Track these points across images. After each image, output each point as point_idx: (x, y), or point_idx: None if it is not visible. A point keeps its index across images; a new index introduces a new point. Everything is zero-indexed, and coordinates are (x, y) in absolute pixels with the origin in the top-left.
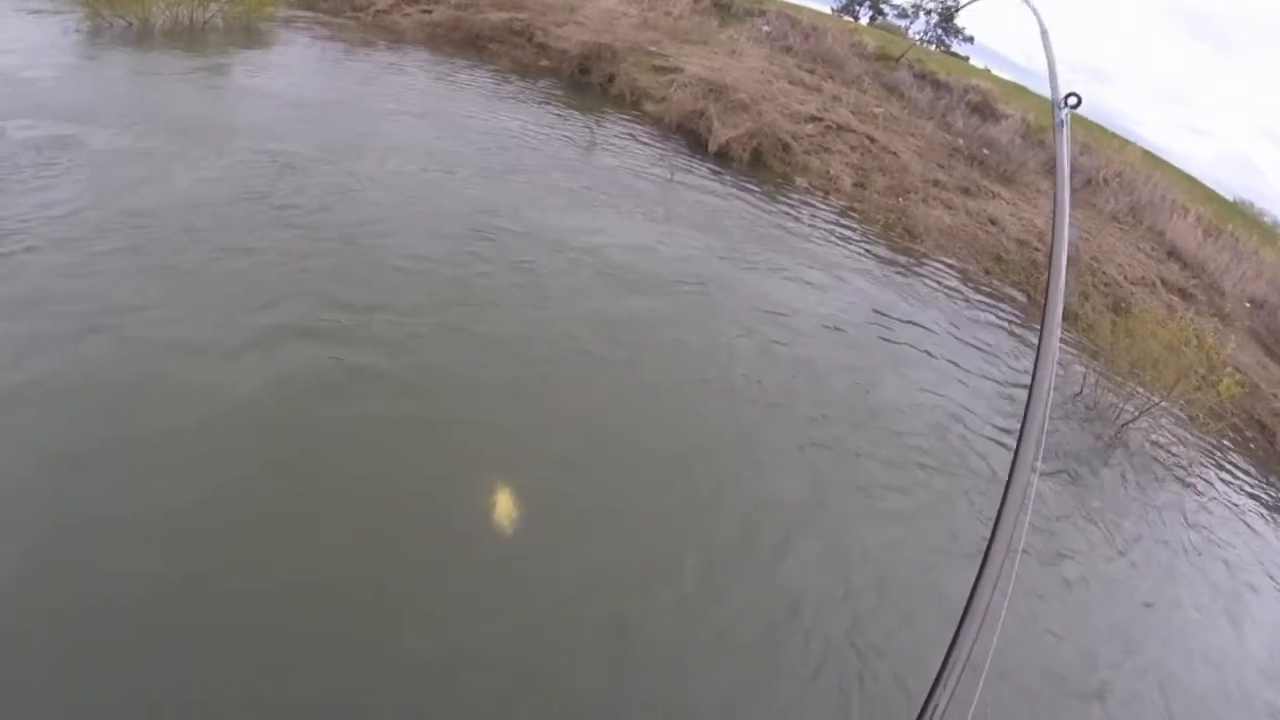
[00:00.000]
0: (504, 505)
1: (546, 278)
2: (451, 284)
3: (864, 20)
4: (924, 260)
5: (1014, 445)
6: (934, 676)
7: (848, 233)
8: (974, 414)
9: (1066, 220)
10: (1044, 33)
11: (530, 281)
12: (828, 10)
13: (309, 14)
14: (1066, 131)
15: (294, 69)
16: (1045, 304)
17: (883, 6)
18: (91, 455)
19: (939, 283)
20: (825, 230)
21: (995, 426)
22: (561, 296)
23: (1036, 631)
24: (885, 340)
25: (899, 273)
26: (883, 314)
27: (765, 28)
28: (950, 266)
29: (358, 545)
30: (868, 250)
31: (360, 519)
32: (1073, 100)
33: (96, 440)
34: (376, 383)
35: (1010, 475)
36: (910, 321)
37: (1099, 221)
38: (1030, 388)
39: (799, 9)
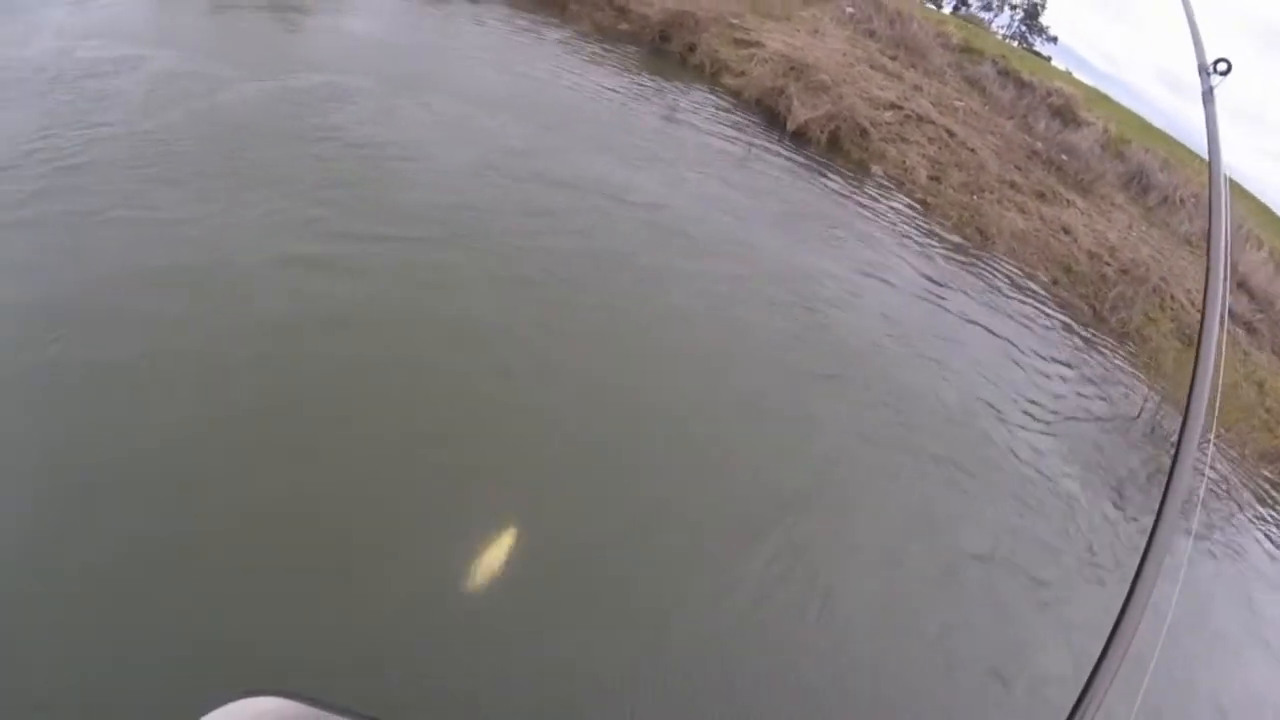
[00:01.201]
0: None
1: (606, 230)
2: (499, 223)
3: (947, 9)
4: (992, 262)
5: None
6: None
7: (919, 226)
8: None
9: (1225, 224)
10: None
11: (591, 228)
12: None
13: None
14: (1217, 106)
15: (369, 12)
16: (1199, 337)
17: None
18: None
19: (1005, 287)
20: (897, 221)
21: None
22: (619, 253)
23: None
24: (944, 339)
25: (968, 272)
26: (944, 311)
27: (849, 9)
28: (1018, 271)
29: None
30: (938, 246)
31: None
32: (1222, 66)
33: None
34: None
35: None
36: (972, 321)
37: (1172, 243)
38: (1180, 434)
39: None
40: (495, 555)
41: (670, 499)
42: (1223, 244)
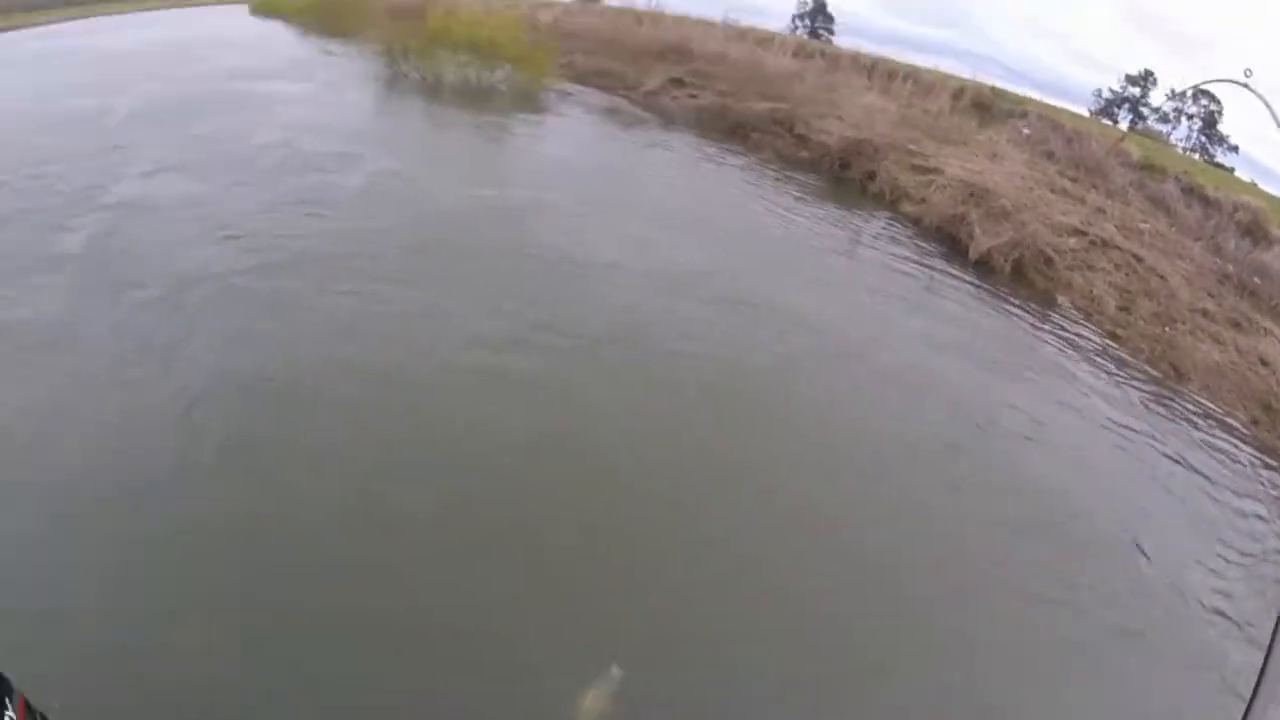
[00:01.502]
0: None
1: (785, 354)
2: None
3: (1123, 124)
4: (1187, 399)
5: None
6: None
7: (1109, 360)
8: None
9: None
10: None
11: (770, 349)
12: (1085, 112)
13: (584, 88)
14: None
15: (564, 134)
16: None
17: (1142, 109)
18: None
19: (1201, 427)
20: (1087, 355)
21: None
22: (809, 388)
23: None
24: (1136, 483)
25: (1161, 410)
26: (1136, 454)
27: (1025, 130)
28: (1215, 409)
29: None
30: (1129, 381)
31: None
32: None
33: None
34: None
35: None
36: (1167, 462)
37: None
38: None
39: (1058, 111)
40: None
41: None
42: None
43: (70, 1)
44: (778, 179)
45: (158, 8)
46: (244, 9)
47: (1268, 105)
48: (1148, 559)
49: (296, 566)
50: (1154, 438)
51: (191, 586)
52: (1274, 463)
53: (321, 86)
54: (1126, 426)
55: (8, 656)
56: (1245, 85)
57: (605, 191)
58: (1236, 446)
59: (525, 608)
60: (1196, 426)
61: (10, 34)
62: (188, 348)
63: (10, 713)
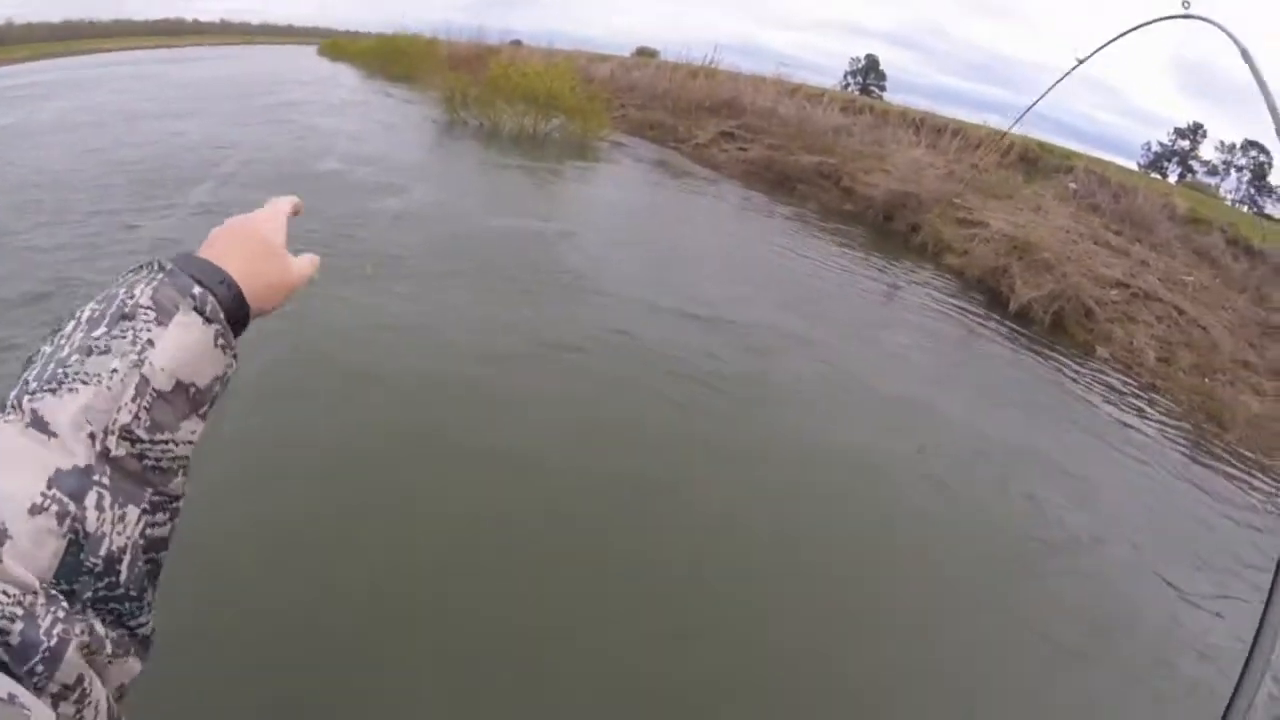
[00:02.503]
0: None
1: (826, 411)
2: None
3: (1173, 178)
4: (1226, 450)
5: None
6: None
7: (1147, 412)
8: None
9: None
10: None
11: (803, 394)
12: (1134, 166)
13: (636, 140)
14: None
15: (614, 180)
16: None
17: (1191, 163)
18: None
19: (1240, 479)
20: (1123, 407)
21: None
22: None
23: None
24: (1176, 544)
25: (1199, 461)
26: (1177, 509)
27: (1072, 185)
28: (1257, 461)
29: None
30: (1166, 433)
31: None
32: None
33: None
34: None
35: None
36: (1204, 524)
37: None
38: None
39: (1106, 165)
40: None
41: None
42: None
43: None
44: (822, 229)
45: (229, 44)
46: (312, 50)
47: (1227, 33)
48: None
49: None
50: (1192, 487)
51: None
52: None
53: (379, 126)
54: (1164, 474)
55: None
56: (1188, 16)
57: (647, 231)
58: (1274, 495)
59: None
60: (1234, 476)
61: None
62: None
63: None
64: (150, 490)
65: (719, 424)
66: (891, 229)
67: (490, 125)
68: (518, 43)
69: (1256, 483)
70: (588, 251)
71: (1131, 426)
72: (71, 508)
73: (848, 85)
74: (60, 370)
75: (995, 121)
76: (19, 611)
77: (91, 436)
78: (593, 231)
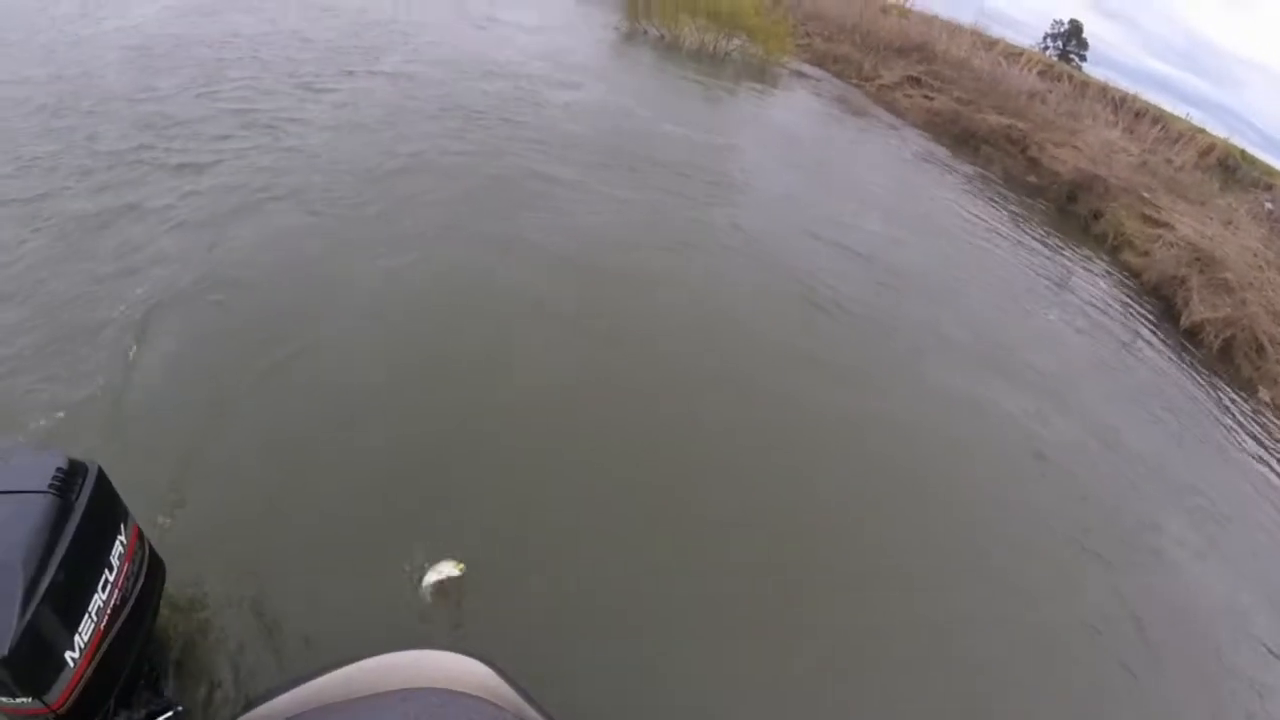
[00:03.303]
0: None
1: (948, 359)
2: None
3: None
4: None
5: None
6: None
7: None
8: None
9: None
10: None
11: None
12: None
13: (818, 71)
14: None
15: (787, 107)
16: None
17: None
18: None
19: None
20: (1273, 457)
21: None
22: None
23: None
24: None
25: None
26: None
27: (1269, 204)
28: None
29: None
30: None
31: None
32: None
33: None
34: None
35: None
36: None
37: None
38: None
39: None
40: None
41: None
42: None
43: None
44: (999, 195)
45: None
46: None
47: None
48: None
49: None
50: None
51: None
52: None
53: (558, 27)
54: None
55: None
56: None
57: (810, 161)
58: None
59: None
60: None
61: None
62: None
63: (123, 537)
64: None
65: (837, 348)
66: (1073, 210)
67: (671, 37)
68: None
69: None
70: (748, 167)
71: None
72: None
73: (1046, 48)
74: None
75: (1198, 118)
76: None
77: None
78: (758, 150)
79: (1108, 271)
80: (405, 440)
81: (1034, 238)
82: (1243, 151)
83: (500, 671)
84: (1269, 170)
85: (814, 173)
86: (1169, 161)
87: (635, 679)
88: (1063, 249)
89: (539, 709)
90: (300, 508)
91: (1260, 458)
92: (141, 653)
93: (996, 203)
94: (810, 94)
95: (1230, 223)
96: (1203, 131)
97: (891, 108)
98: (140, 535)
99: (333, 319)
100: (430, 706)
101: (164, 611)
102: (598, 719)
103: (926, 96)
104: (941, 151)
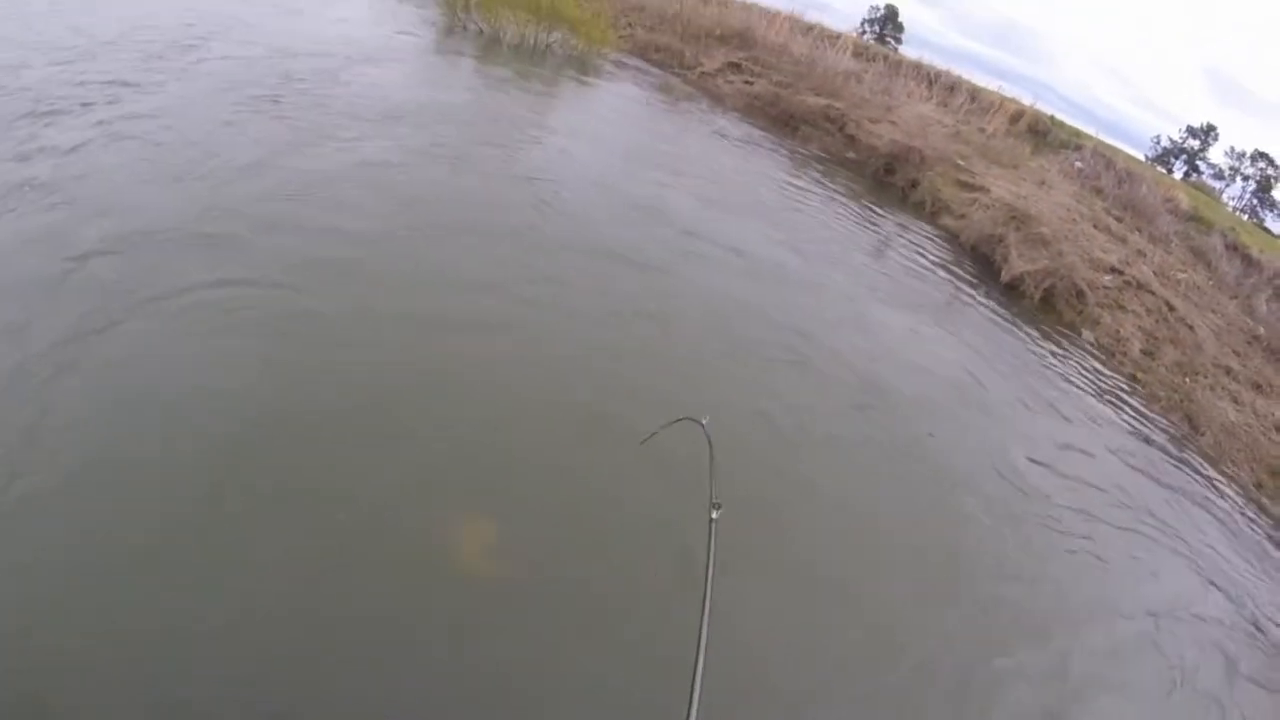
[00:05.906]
0: None
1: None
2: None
3: (1178, 174)
4: (1196, 454)
5: None
6: None
7: (1124, 403)
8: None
9: None
10: None
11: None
12: (1141, 157)
13: (639, 62)
14: None
15: (609, 97)
16: None
17: (1198, 163)
18: None
19: (1200, 484)
20: (1102, 394)
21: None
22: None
23: None
24: (1125, 531)
25: (1168, 460)
26: (1135, 507)
27: (1078, 163)
28: (1220, 470)
29: None
30: (1140, 428)
31: None
32: None
33: None
34: None
35: None
36: (1158, 519)
37: None
38: None
39: (1114, 150)
40: None
41: None
42: None
43: None
44: (819, 170)
45: None
46: None
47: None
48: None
49: None
50: (1153, 485)
51: None
52: (1268, 526)
53: (368, 21)
54: (1129, 468)
55: None
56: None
57: (632, 146)
58: (1237, 507)
59: None
60: (1198, 481)
61: None
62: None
63: None
64: None
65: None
66: (891, 182)
67: (491, 32)
68: None
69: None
70: (563, 151)
71: (1105, 413)
72: None
73: (864, 33)
74: None
75: (1009, 89)
76: None
77: None
78: (575, 139)
79: (928, 237)
80: None
81: (852, 210)
82: (1052, 116)
83: None
84: (1077, 132)
85: (630, 159)
86: (982, 130)
87: None
88: (882, 218)
89: None
90: None
91: (1089, 393)
92: None
93: (816, 177)
94: (631, 84)
95: (1043, 182)
96: (1013, 101)
97: (713, 94)
98: None
99: None
100: None
101: None
102: None
103: (747, 82)
104: (760, 133)
